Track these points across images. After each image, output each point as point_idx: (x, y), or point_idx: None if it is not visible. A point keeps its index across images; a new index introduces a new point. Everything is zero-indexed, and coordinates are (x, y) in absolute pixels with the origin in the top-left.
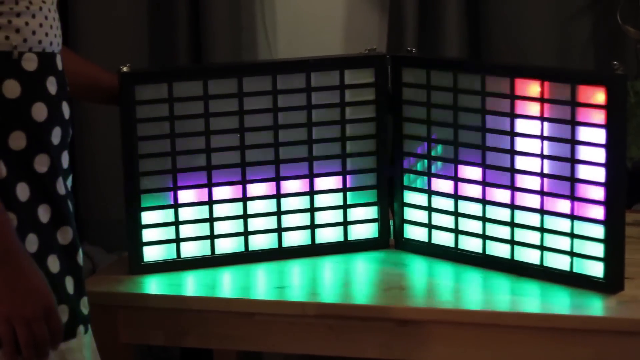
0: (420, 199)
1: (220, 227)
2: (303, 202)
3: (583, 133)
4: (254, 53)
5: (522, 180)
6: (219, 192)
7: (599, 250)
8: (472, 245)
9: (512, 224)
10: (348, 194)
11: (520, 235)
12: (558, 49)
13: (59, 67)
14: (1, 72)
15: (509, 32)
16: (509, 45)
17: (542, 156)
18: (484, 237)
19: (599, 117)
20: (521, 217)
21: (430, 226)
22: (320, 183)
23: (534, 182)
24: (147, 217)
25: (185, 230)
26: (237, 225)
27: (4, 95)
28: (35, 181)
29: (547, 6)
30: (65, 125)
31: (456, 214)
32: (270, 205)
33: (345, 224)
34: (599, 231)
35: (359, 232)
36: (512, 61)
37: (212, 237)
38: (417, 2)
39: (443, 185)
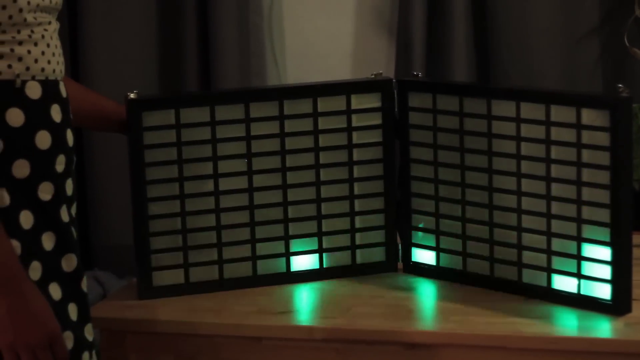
0: (428, 222)
1: (228, 252)
2: (311, 226)
3: (589, 156)
4: (263, 79)
5: (529, 203)
6: (227, 217)
7: (606, 272)
8: (479, 267)
9: (520, 247)
10: (356, 217)
11: (528, 257)
12: (566, 73)
13: (63, 95)
14: (4, 101)
15: (516, 56)
16: (516, 69)
17: (548, 179)
18: (491, 259)
19: (605, 139)
20: (528, 239)
21: (438, 249)
22: (328, 207)
23: (540, 205)
24: (155, 242)
25: (194, 255)
26: (245, 250)
27: (7, 124)
28: (39, 209)
29: (555, 30)
30: (69, 152)
31: (464, 236)
32: (278, 230)
33: (353, 247)
34: (606, 253)
35: (366, 256)
36: (518, 85)
37: (220, 261)
38: (425, 26)
39: (450, 208)
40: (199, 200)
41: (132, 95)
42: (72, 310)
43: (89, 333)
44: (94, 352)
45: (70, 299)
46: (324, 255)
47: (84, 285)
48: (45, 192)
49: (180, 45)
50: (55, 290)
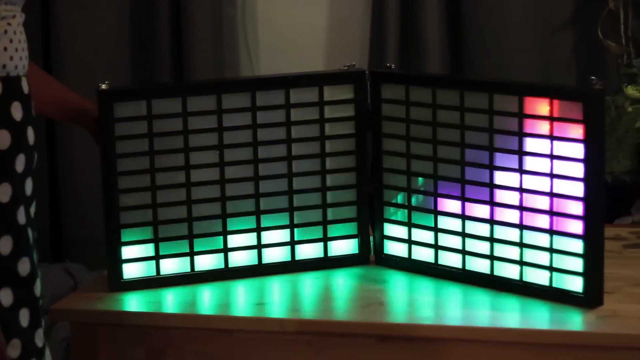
0: (400, 214)
1: (199, 244)
2: (283, 218)
3: (561, 148)
4: (236, 70)
5: (501, 196)
6: (199, 209)
7: (578, 265)
8: (451, 260)
9: (492, 239)
10: (328, 210)
11: (500, 250)
12: (540, 65)
13: (25, 91)
14: None
15: (490, 48)
16: (490, 61)
17: (520, 171)
18: (463, 252)
19: (578, 132)
20: (500, 232)
21: (410, 242)
22: (300, 199)
23: (513, 197)
24: (126, 234)
25: (165, 248)
26: (216, 242)
27: None
28: None
29: (529, 22)
30: (30, 151)
31: (436, 229)
32: (250, 222)
33: (325, 240)
34: (578, 246)
35: (339, 248)
36: (491, 77)
37: (191, 254)
38: (399, 18)
39: (423, 201)
40: (170, 192)
41: (103, 86)
42: (24, 316)
43: (39, 339)
44: (44, 357)
45: (22, 305)
46: (296, 247)
47: (37, 289)
48: (4, 193)
49: (153, 36)
50: (6, 296)
